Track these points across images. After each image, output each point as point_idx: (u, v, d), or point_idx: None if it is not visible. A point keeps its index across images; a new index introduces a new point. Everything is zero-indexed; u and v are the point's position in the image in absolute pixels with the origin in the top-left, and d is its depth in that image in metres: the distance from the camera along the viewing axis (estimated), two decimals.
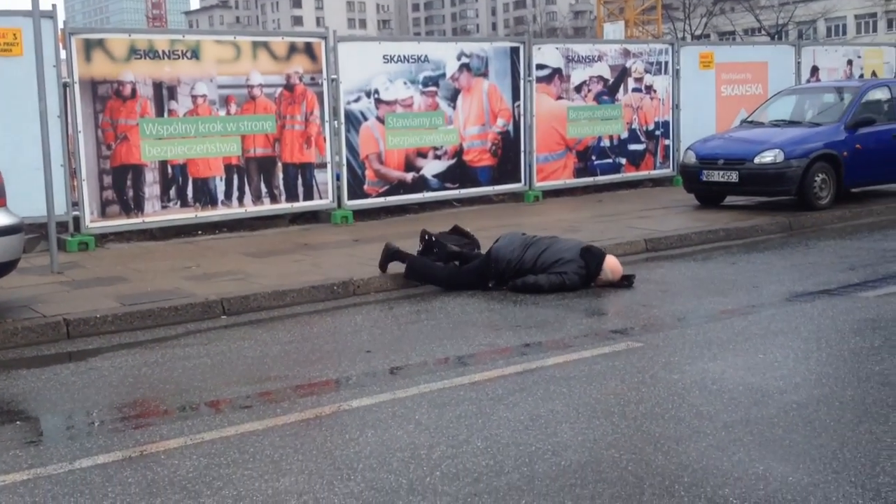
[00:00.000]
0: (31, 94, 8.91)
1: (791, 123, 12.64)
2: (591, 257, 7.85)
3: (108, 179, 10.42)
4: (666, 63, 15.14)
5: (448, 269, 8.21)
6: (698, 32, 58.61)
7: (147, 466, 4.25)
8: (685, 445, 4.19)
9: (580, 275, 7.78)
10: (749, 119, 13.52)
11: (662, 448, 4.17)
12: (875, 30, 67.58)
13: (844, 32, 69.11)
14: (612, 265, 7.91)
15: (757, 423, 4.44)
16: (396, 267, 8.31)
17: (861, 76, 17.39)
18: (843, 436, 4.23)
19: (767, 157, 11.56)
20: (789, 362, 5.49)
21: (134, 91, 10.49)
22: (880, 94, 12.84)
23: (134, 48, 10.50)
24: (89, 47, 10.24)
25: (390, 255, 8.29)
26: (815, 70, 16.97)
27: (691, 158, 12.37)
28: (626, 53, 14.76)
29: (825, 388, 4.94)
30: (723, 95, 15.81)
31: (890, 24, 66.82)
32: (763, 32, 58.26)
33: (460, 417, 4.71)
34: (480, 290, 7.92)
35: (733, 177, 11.74)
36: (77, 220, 10.35)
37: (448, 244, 8.47)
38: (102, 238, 10.55)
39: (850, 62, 17.63)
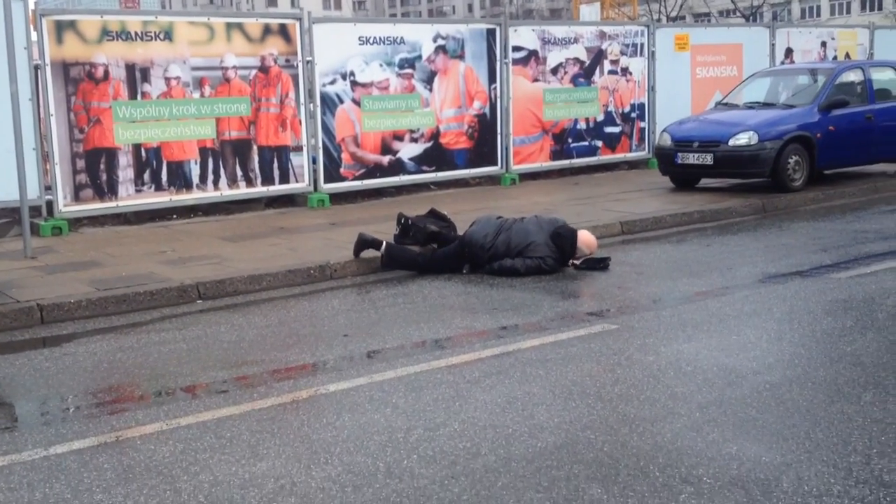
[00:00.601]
0: (1, 77, 8.80)
1: (765, 105, 12.70)
2: (563, 240, 7.87)
3: (81, 163, 10.32)
4: (641, 45, 15.16)
5: (424, 253, 8.21)
6: (673, 14, 58.65)
7: (123, 452, 4.23)
8: (660, 426, 4.23)
9: (555, 258, 7.81)
10: (724, 101, 13.57)
11: (637, 429, 4.21)
12: (849, 11, 67.93)
13: (818, 14, 69.41)
14: (585, 240, 7.96)
15: (730, 403, 4.49)
16: (371, 252, 8.30)
17: (835, 58, 17.49)
18: (816, 416, 4.28)
19: (742, 140, 11.62)
20: (762, 343, 5.54)
21: (106, 73, 10.38)
22: (853, 76, 12.93)
23: (106, 30, 10.38)
24: (61, 29, 10.11)
25: (363, 244, 8.27)
26: (789, 52, 17.05)
27: (666, 141, 12.41)
28: (602, 35, 14.76)
29: (798, 369, 5.00)
30: (698, 77, 15.86)
31: (863, 6, 67.19)
32: (738, 14, 58.37)
33: (437, 400, 4.73)
34: (457, 274, 7.94)
35: (708, 159, 11.79)
36: (50, 204, 10.26)
37: (425, 226, 8.48)
38: (76, 222, 10.46)
39: (823, 44, 17.72)
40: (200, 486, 3.82)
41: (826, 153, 12.03)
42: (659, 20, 51.13)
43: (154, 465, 4.07)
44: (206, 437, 4.37)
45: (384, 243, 8.20)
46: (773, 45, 16.73)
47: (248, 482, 3.84)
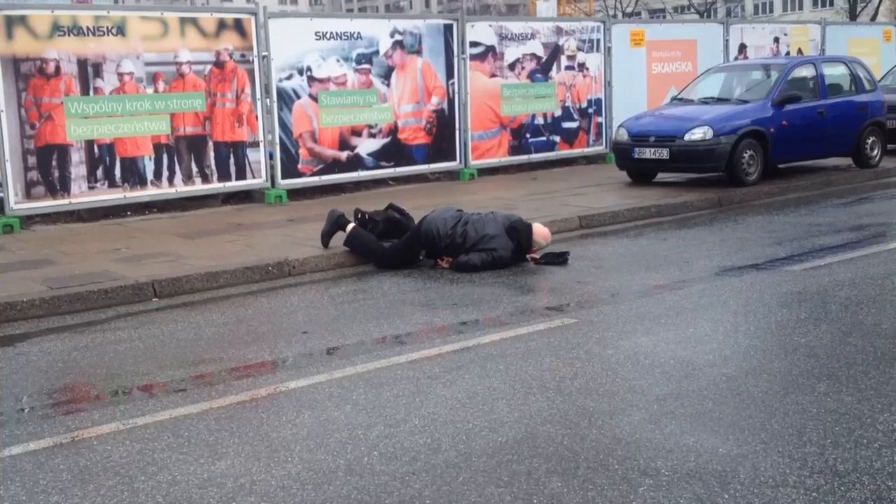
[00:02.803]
0: None
1: (720, 101, 12.84)
2: (519, 233, 7.92)
3: (32, 160, 10.14)
4: (598, 41, 15.25)
5: (382, 248, 8.21)
6: (629, 10, 59.09)
7: (79, 452, 4.17)
8: (618, 419, 4.27)
9: (512, 249, 7.84)
10: (679, 96, 13.70)
11: (596, 422, 4.24)
12: (801, 7, 68.90)
13: (771, 10, 70.34)
14: (540, 232, 8.05)
15: (688, 396, 4.53)
16: (336, 241, 8.30)
17: (787, 53, 17.74)
18: (771, 407, 4.34)
19: (697, 134, 11.74)
20: (718, 336, 5.61)
21: (58, 69, 10.21)
22: (806, 72, 13.13)
23: (57, 25, 10.21)
24: (11, 24, 9.92)
25: (335, 220, 8.29)
26: (742, 48, 17.26)
27: (623, 136, 12.51)
28: (559, 31, 14.83)
29: (753, 361, 5.06)
30: (653, 73, 15.99)
31: (815, 3, 68.18)
32: (692, 10, 58.95)
33: (398, 397, 4.72)
34: (415, 267, 7.93)
35: (664, 154, 11.90)
36: (1, 201, 10.08)
37: (382, 219, 8.52)
38: (28, 220, 10.29)
39: (776, 40, 17.96)
40: (158, 486, 3.78)
41: (780, 147, 12.20)
42: (615, 16, 51.43)
43: (111, 465, 4.02)
44: (164, 436, 4.33)
45: (353, 226, 8.28)
46: (727, 40, 16.93)
47: (207, 481, 3.81)
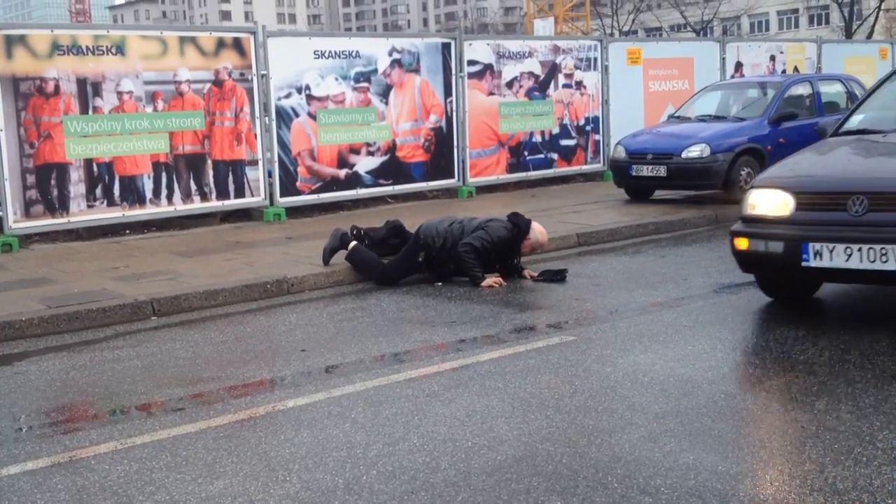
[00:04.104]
0: None
1: (717, 118, 12.89)
2: (519, 218, 8.17)
3: (31, 179, 10.15)
4: (595, 59, 15.31)
5: (382, 263, 8.23)
6: (626, 29, 59.39)
7: (77, 472, 4.16)
8: (618, 437, 4.26)
9: (508, 229, 8.00)
10: (676, 114, 13.75)
11: (596, 441, 4.23)
12: (797, 26, 69.28)
13: (767, 28, 70.72)
14: (539, 227, 8.21)
15: (686, 413, 4.53)
16: (336, 259, 8.34)
17: (783, 71, 17.81)
18: (771, 425, 4.34)
19: (694, 152, 11.77)
20: (717, 353, 5.60)
21: (57, 88, 10.24)
22: (802, 90, 13.18)
23: (57, 44, 10.25)
24: (10, 43, 9.96)
25: (339, 238, 8.35)
26: (739, 66, 17.33)
27: (621, 153, 12.54)
28: (556, 50, 14.89)
29: (752, 378, 5.06)
30: (650, 91, 16.05)
31: (811, 21, 68.56)
32: (689, 29, 59.24)
33: (396, 415, 4.72)
34: (415, 287, 7.93)
35: (662, 171, 11.93)
36: (0, 220, 10.08)
37: (380, 236, 8.57)
38: (27, 239, 10.28)
39: (772, 58, 18.04)
40: None
41: None
42: (612, 35, 51.73)
43: (109, 485, 4.01)
44: (162, 455, 4.31)
45: (355, 242, 8.38)
46: (724, 58, 17.00)
47: (205, 501, 3.79)
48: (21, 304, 7.28)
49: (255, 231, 11.01)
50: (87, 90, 10.46)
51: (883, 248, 5.58)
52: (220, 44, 11.42)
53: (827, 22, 64.29)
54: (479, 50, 13.91)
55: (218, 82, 11.37)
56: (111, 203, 10.70)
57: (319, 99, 12.18)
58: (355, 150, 12.59)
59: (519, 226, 8.08)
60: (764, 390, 4.84)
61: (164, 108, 10.97)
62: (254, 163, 11.72)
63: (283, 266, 8.55)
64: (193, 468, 4.15)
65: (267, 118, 11.81)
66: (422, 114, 13.22)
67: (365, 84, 12.60)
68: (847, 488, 3.64)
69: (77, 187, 10.46)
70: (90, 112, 10.48)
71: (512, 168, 14.38)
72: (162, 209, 11.08)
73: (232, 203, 11.64)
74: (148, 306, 7.36)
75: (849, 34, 47.60)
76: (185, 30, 11.24)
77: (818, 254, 5.81)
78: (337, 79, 12.33)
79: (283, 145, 11.93)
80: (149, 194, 10.95)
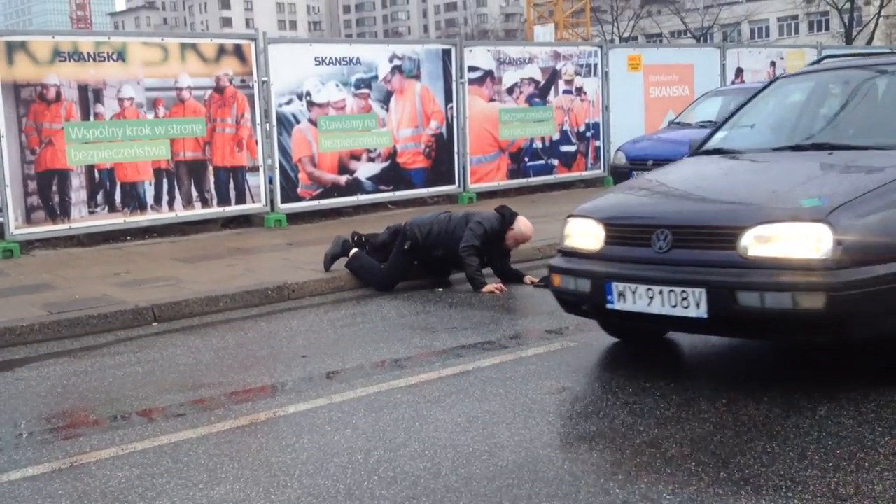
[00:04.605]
0: None
1: (717, 124, 12.88)
2: (505, 209, 8.32)
3: (32, 185, 10.16)
4: (595, 65, 15.33)
5: (381, 269, 8.25)
6: (626, 35, 59.52)
7: (78, 478, 4.16)
8: (619, 443, 4.25)
9: (498, 220, 8.16)
10: (677, 120, 13.77)
11: (597, 446, 4.23)
12: (797, 32, 69.42)
13: (767, 35, 70.82)
14: (524, 220, 8.32)
15: (688, 420, 4.52)
16: (336, 265, 8.35)
17: None
18: (772, 430, 4.33)
19: None
20: (718, 359, 5.60)
21: (59, 94, 10.25)
22: None
23: (58, 50, 10.27)
24: (11, 50, 9.98)
25: (341, 244, 8.37)
26: (739, 72, 17.35)
27: (621, 159, 12.57)
28: (557, 56, 14.91)
29: (753, 384, 5.05)
30: (651, 97, 16.07)
31: (811, 27, 68.69)
32: (689, 35, 59.38)
33: (397, 421, 4.71)
34: (415, 293, 7.93)
35: None
36: (1, 226, 10.09)
37: (379, 241, 8.59)
38: (28, 245, 10.29)
39: (773, 64, 18.06)
40: None
41: None
42: (612, 41, 51.81)
43: (110, 490, 4.00)
44: (163, 461, 4.31)
45: (356, 249, 8.42)
46: (724, 64, 17.02)
47: None
48: (22, 310, 7.28)
49: (256, 237, 11.02)
50: (89, 96, 10.48)
51: (683, 290, 4.77)
52: (221, 50, 11.44)
53: (827, 28, 64.41)
54: (479, 56, 13.93)
55: (219, 89, 11.38)
56: (112, 209, 10.71)
57: (320, 105, 12.19)
58: (356, 157, 12.60)
59: (504, 215, 8.16)
60: (766, 396, 4.83)
61: (166, 114, 10.99)
62: (255, 169, 11.73)
63: (283, 272, 8.55)
64: (194, 474, 4.14)
65: (268, 124, 11.82)
66: (422, 120, 13.24)
67: (366, 90, 12.62)
68: (849, 493, 3.63)
69: (78, 193, 10.47)
70: (91, 118, 10.50)
71: (512, 174, 14.39)
72: (163, 215, 11.09)
73: (233, 209, 11.65)
74: (149, 312, 7.36)
75: (849, 40, 47.67)
76: (186, 36, 11.25)
77: (622, 295, 5.02)
78: (338, 85, 12.34)
79: (284, 151, 11.94)
80: (150, 200, 10.95)
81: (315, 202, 12.27)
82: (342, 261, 8.38)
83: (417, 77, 13.17)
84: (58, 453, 4.48)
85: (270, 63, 11.74)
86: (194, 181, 11.27)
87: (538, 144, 14.65)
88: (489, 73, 14.00)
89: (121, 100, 10.67)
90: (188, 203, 11.24)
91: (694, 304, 4.73)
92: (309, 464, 4.19)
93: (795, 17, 69.58)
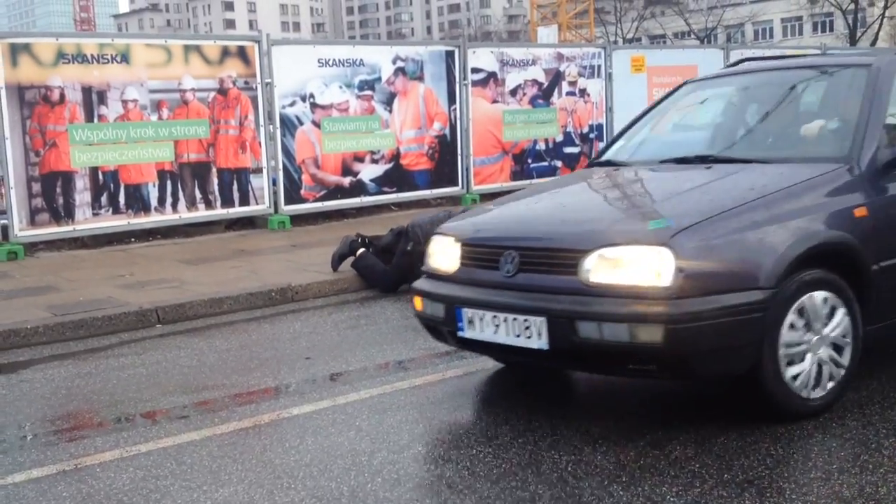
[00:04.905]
0: None
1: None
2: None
3: (36, 187, 10.18)
4: (599, 66, 15.32)
5: (386, 269, 8.27)
6: (630, 36, 59.52)
7: (82, 480, 4.17)
8: (623, 445, 4.25)
9: None
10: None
11: (601, 448, 4.23)
12: (801, 33, 69.35)
13: (771, 36, 70.78)
14: None
15: (692, 421, 4.52)
16: (342, 266, 8.38)
17: None
18: (776, 433, 4.33)
19: None
20: None
21: (62, 96, 10.27)
22: None
23: (62, 53, 10.28)
24: (15, 52, 10.00)
25: (349, 244, 8.38)
26: None
27: None
28: (560, 57, 14.91)
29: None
30: (655, 98, 16.03)
31: (815, 28, 68.63)
32: (693, 36, 59.36)
33: (401, 422, 4.71)
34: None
35: None
36: (5, 228, 10.10)
37: (383, 242, 8.60)
38: (32, 247, 10.31)
39: None
40: None
41: None
42: (615, 42, 51.82)
43: (114, 492, 4.01)
44: (167, 463, 4.32)
45: (362, 250, 8.43)
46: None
47: None
48: (26, 312, 7.29)
49: (260, 239, 11.03)
50: (93, 98, 10.49)
51: (526, 319, 4.33)
52: (225, 52, 11.45)
53: (831, 29, 64.37)
54: (482, 58, 13.93)
55: (222, 91, 11.39)
56: (116, 211, 10.73)
57: (323, 107, 12.20)
58: (359, 158, 12.60)
59: None
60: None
61: (169, 116, 11.00)
62: (258, 171, 11.74)
63: (287, 274, 8.56)
64: (198, 476, 4.15)
65: (271, 126, 11.83)
66: (426, 122, 13.24)
67: (369, 92, 12.62)
68: (853, 496, 3.63)
69: (82, 195, 10.48)
70: (95, 120, 10.52)
71: (516, 175, 14.38)
72: (167, 217, 11.10)
73: (236, 211, 11.66)
74: (153, 314, 7.37)
75: (853, 41, 47.65)
76: (190, 38, 11.27)
77: (471, 322, 4.59)
78: (341, 87, 12.35)
79: (288, 153, 11.95)
80: (154, 202, 10.97)
81: (318, 204, 12.28)
82: (349, 260, 8.41)
83: (421, 79, 13.18)
84: (62, 455, 4.49)
85: (274, 65, 11.75)
86: (198, 183, 11.28)
87: (541, 146, 14.65)
88: (492, 75, 14.00)
89: (124, 102, 10.69)
90: (192, 205, 11.25)
91: (536, 333, 4.29)
92: (313, 466, 4.19)
93: (799, 19, 69.54)
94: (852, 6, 47.60)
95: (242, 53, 11.58)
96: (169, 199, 11.07)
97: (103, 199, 10.63)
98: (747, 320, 4.11)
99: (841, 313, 4.46)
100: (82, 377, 5.91)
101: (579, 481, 3.87)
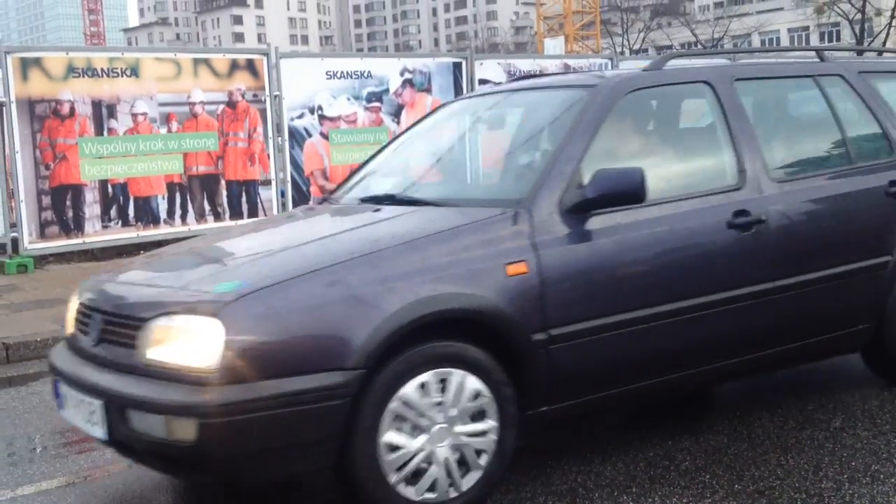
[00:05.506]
0: None
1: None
2: None
3: (46, 200, 10.23)
4: None
5: None
6: (636, 47, 59.55)
7: (91, 492, 4.17)
8: (633, 455, 4.24)
9: None
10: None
11: (610, 458, 4.21)
12: (808, 43, 69.28)
13: (778, 45, 70.71)
14: None
15: (703, 432, 4.50)
16: None
17: None
18: (787, 443, 4.31)
19: None
20: None
21: (72, 110, 10.33)
22: None
23: (72, 67, 10.35)
24: (26, 66, 10.07)
25: None
26: None
27: None
28: (567, 68, 14.91)
29: (767, 396, 5.04)
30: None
31: (822, 38, 68.58)
32: (699, 47, 59.32)
33: None
34: None
35: None
36: (15, 241, 10.16)
37: None
38: (42, 259, 10.35)
39: None
40: None
41: None
42: (622, 53, 51.85)
43: None
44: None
45: None
46: None
47: None
48: (36, 325, 7.32)
49: None
50: (102, 112, 10.55)
51: (90, 402, 3.51)
52: (234, 65, 11.51)
53: (838, 39, 64.32)
54: (489, 69, 13.95)
55: (231, 103, 11.45)
56: (126, 223, 10.77)
57: (332, 119, 12.24)
58: None
59: None
60: (780, 408, 4.81)
61: (179, 129, 11.06)
62: (267, 183, 11.78)
63: None
64: (209, 487, 4.15)
65: (280, 138, 11.88)
66: None
67: (377, 104, 12.66)
68: None
69: (92, 208, 10.53)
70: (105, 133, 10.57)
71: None
72: (176, 229, 11.13)
73: (245, 223, 11.68)
74: None
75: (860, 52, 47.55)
76: (199, 52, 11.35)
77: (67, 400, 3.79)
78: (349, 99, 12.39)
79: (296, 165, 11.99)
80: (163, 215, 11.01)
81: None
82: None
83: (428, 90, 13.21)
84: (72, 467, 4.50)
85: (282, 77, 11.80)
86: (207, 195, 11.33)
87: None
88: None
89: (134, 115, 10.75)
90: (201, 217, 11.29)
91: (98, 419, 3.48)
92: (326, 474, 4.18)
93: (806, 29, 69.50)
94: (859, 16, 47.56)
95: (251, 66, 11.64)
96: (178, 212, 11.11)
97: (113, 211, 10.68)
98: (319, 410, 3.23)
99: (480, 396, 3.59)
100: None
101: (589, 493, 3.86)
